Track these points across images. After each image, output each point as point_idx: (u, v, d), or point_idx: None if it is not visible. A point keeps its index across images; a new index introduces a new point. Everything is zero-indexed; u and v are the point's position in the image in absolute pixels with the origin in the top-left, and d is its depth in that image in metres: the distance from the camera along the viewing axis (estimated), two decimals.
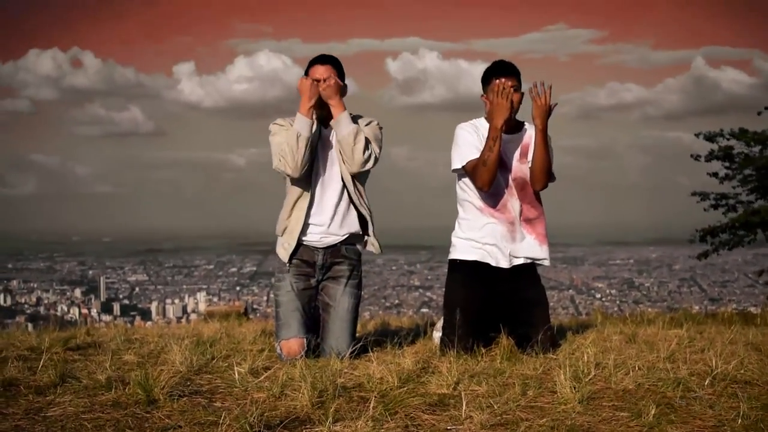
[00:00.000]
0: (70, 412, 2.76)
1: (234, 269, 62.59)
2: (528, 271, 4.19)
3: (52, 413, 2.75)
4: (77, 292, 51.26)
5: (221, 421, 2.57)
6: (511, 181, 4.12)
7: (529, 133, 4.15)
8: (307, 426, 2.62)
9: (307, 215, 4.06)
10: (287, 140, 3.90)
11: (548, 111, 3.98)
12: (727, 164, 18.18)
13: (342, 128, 3.94)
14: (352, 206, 4.11)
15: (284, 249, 4.09)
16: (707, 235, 18.25)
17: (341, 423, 2.63)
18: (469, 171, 4.05)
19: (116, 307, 46.71)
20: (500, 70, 4.11)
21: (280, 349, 3.97)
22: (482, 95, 4.18)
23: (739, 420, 2.69)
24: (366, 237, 4.19)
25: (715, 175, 18.21)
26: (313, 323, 4.12)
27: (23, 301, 48.54)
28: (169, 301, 49.30)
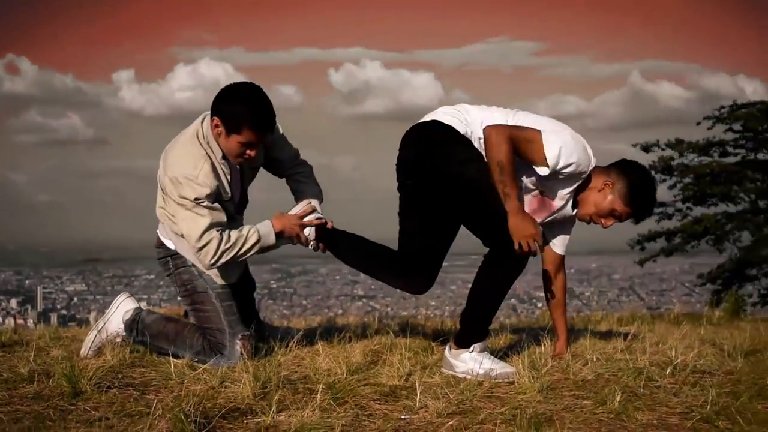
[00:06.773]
0: None
1: None
2: None
3: None
4: (13, 303, 49.59)
5: (153, 412, 2.33)
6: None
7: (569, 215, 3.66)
8: (249, 416, 2.40)
9: None
10: (241, 237, 3.22)
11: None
12: (666, 175, 18.59)
13: None
14: None
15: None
16: (646, 240, 18.59)
17: (286, 412, 2.42)
18: None
19: (54, 318, 45.24)
20: None
21: (241, 348, 3.24)
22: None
23: (708, 406, 2.56)
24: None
25: None
26: None
27: None
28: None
